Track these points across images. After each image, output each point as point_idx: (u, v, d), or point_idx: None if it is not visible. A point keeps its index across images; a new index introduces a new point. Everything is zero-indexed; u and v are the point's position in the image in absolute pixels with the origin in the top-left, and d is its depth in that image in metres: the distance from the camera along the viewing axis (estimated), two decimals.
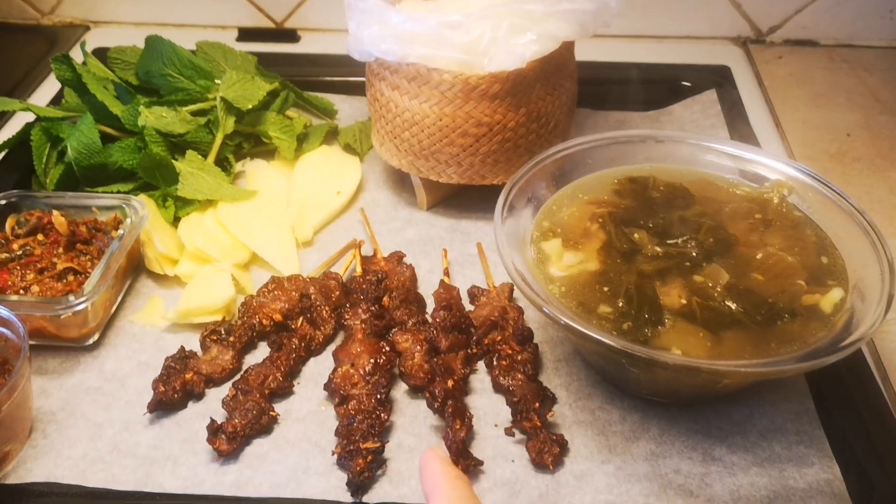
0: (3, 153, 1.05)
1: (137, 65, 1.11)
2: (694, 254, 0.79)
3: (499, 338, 0.83)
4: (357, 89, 1.23)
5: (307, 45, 1.43)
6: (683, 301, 0.75)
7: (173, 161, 0.97)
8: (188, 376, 0.79)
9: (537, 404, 0.75)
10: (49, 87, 1.31)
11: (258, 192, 1.00)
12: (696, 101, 1.18)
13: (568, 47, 0.93)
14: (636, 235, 0.81)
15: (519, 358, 0.80)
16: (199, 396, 0.79)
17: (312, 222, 0.98)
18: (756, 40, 1.41)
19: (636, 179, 0.89)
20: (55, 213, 0.90)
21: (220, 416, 0.77)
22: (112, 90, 1.06)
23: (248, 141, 1.09)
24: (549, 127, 0.95)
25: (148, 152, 0.95)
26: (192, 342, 0.85)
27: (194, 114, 1.05)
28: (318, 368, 0.83)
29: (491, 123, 0.90)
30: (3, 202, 0.91)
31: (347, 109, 1.21)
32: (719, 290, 0.76)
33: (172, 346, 0.84)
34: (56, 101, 1.24)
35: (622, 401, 0.79)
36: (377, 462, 0.72)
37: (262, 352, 0.85)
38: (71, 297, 0.79)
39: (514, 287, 0.88)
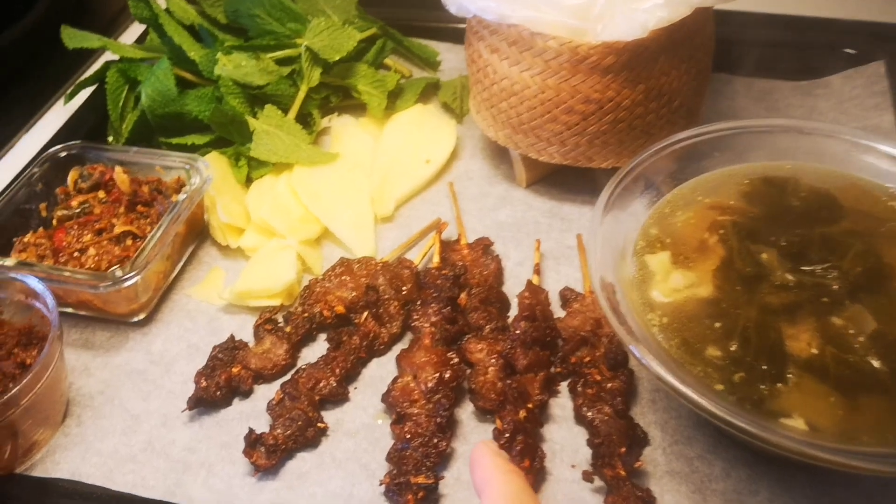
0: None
1: (225, 1, 1.02)
2: (835, 287, 0.64)
3: (587, 358, 0.71)
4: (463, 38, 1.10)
5: None
6: (814, 350, 0.60)
7: (248, 117, 0.89)
8: (235, 370, 0.72)
9: (623, 448, 0.64)
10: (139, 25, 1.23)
11: (339, 154, 0.91)
12: (860, 74, 0.99)
13: (703, 12, 0.77)
14: (764, 256, 0.67)
15: (608, 386, 0.68)
16: (247, 393, 0.72)
17: (395, 195, 0.88)
18: None
19: (772, 181, 0.73)
20: (118, 169, 0.83)
21: (265, 420, 0.70)
22: (196, 29, 0.98)
23: (337, 94, 0.98)
24: (673, 106, 0.80)
25: (220, 107, 0.87)
26: (248, 327, 0.78)
27: (280, 62, 0.95)
28: (380, 372, 0.74)
29: (601, 101, 0.76)
30: (64, 154, 0.85)
31: (452, 60, 1.08)
32: (862, 340, 0.61)
33: (226, 330, 0.77)
34: (142, 39, 1.17)
35: (727, 450, 0.66)
36: (429, 500, 0.63)
37: (321, 344, 0.76)
38: (117, 272, 0.73)
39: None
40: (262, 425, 0.69)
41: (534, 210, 0.88)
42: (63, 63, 1.12)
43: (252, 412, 0.71)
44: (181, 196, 0.79)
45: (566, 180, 0.90)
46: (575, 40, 0.73)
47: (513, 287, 0.79)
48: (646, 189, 0.71)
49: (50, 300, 0.68)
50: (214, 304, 0.80)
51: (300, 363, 0.75)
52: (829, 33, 1.05)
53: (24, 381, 0.63)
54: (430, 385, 0.68)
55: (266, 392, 0.72)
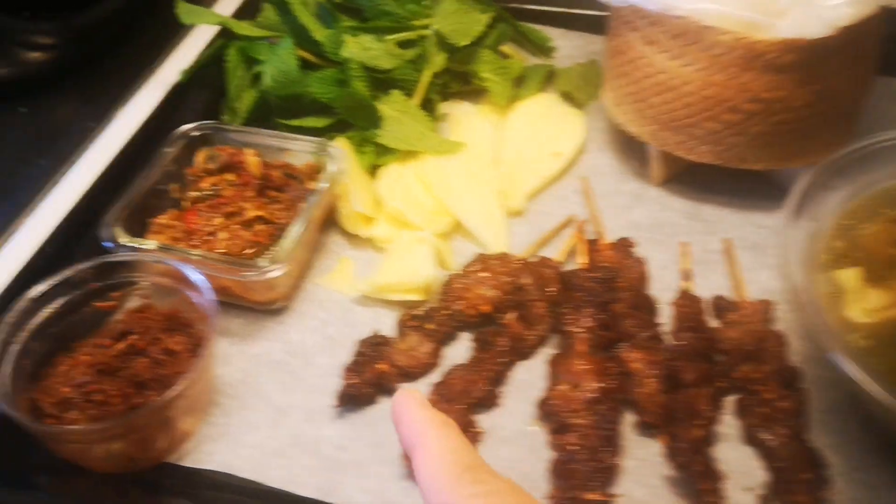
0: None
1: None
2: None
3: (755, 374, 0.67)
4: (579, 23, 1.06)
5: None
6: None
7: (376, 102, 0.85)
8: (382, 367, 0.69)
9: (807, 474, 0.60)
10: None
11: (465, 144, 0.87)
12: None
13: (880, 12, 0.73)
14: None
15: (781, 405, 0.65)
16: (391, 392, 0.69)
17: (525, 187, 0.85)
18: None
19: None
20: (249, 152, 0.80)
21: None
22: (313, 9, 0.94)
23: (457, 80, 0.95)
24: (838, 109, 0.76)
25: (349, 91, 0.83)
26: (384, 320, 0.75)
27: (401, 45, 0.92)
28: (528, 377, 0.71)
29: (771, 100, 0.72)
30: (198, 133, 0.82)
31: (567, 48, 1.04)
32: None
33: (361, 322, 0.74)
34: (244, 10, 1.14)
35: None
36: None
37: (461, 345, 0.73)
38: (263, 262, 0.70)
39: (773, 308, 0.72)
40: None
41: (670, 210, 0.84)
42: (149, 40, 1.09)
43: None
44: (322, 183, 0.76)
45: (703, 180, 0.86)
46: (751, 36, 0.69)
47: (657, 292, 0.76)
48: (825, 197, 0.68)
49: (206, 287, 0.65)
50: (347, 295, 0.77)
51: (441, 362, 0.72)
52: None
53: (192, 370, 0.60)
54: (594, 395, 0.65)
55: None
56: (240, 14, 1.06)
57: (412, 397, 0.45)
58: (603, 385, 0.66)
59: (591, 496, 0.60)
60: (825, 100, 0.74)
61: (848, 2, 0.67)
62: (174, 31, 1.10)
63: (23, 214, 0.87)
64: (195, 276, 0.67)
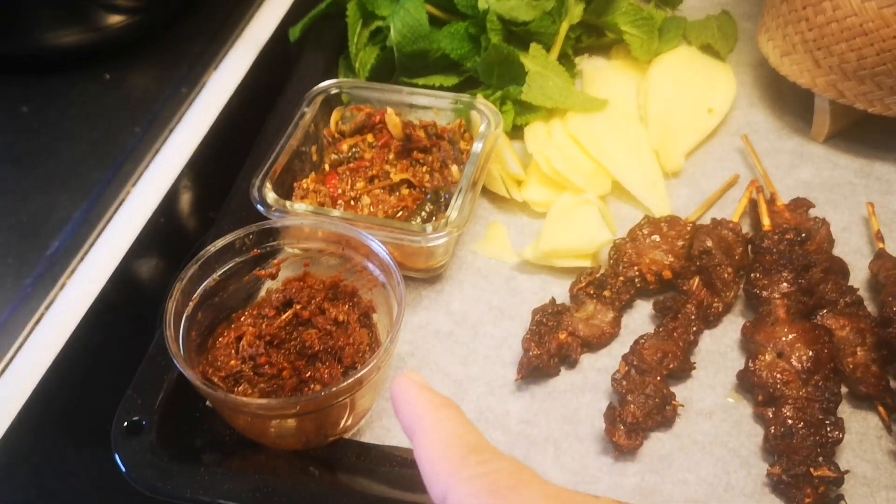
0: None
1: None
2: None
3: None
4: None
5: None
6: None
7: (518, 56, 0.79)
8: (562, 337, 0.63)
9: None
10: None
11: (608, 100, 0.81)
12: None
13: None
14: None
15: None
16: (573, 364, 0.64)
17: (682, 147, 0.79)
18: None
19: None
20: (389, 111, 0.74)
21: (600, 393, 0.62)
22: None
23: (588, 33, 0.89)
24: None
25: (496, 46, 0.77)
26: (550, 288, 0.69)
27: None
28: (718, 347, 0.65)
29: None
30: (335, 91, 0.76)
31: None
32: None
33: (527, 291, 0.69)
34: None
35: None
36: (831, 496, 0.55)
37: (639, 314, 0.68)
38: (429, 228, 0.64)
39: None
40: (598, 399, 0.61)
41: (841, 168, 0.78)
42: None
43: (584, 385, 0.63)
44: (477, 144, 0.70)
45: (869, 136, 0.80)
46: None
47: (844, 254, 0.70)
48: None
49: (384, 255, 0.60)
50: (506, 262, 0.71)
51: (622, 332, 0.66)
52: None
53: (383, 348, 0.55)
54: (806, 365, 0.60)
55: (592, 362, 0.64)
56: None
57: (411, 381, 0.42)
58: (814, 354, 0.60)
59: (820, 472, 0.54)
60: None
61: None
62: None
63: (129, 183, 0.83)
64: (368, 240, 0.61)
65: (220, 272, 0.61)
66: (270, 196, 0.66)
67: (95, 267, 0.74)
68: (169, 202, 0.80)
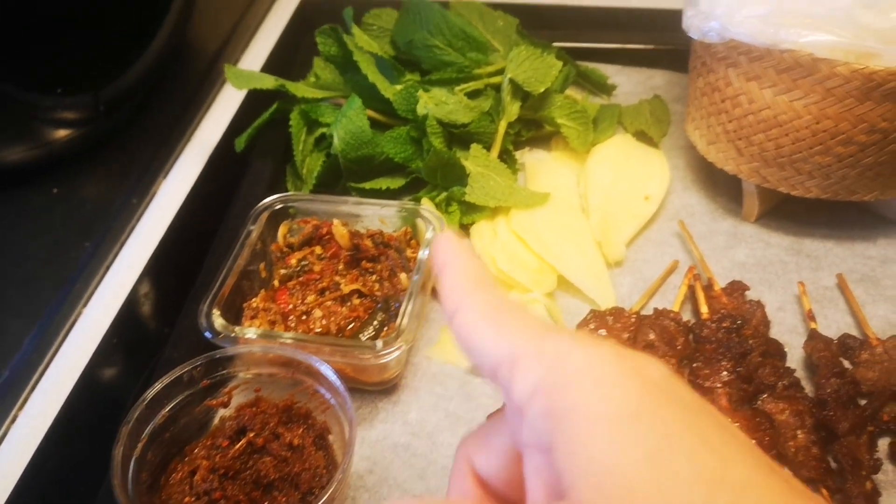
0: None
1: (395, 32, 0.95)
2: None
3: None
4: (637, 59, 1.04)
5: None
6: None
7: (459, 158, 0.82)
8: None
9: None
10: (264, 42, 1.17)
11: (550, 193, 0.84)
12: None
13: None
14: None
15: None
16: None
17: (622, 236, 0.81)
18: None
19: None
20: (336, 222, 0.76)
21: None
22: (374, 65, 0.91)
23: (527, 128, 0.92)
24: None
25: (436, 151, 0.80)
26: None
27: (467, 96, 0.89)
28: None
29: (888, 130, 0.70)
30: (279, 206, 0.77)
31: (626, 84, 1.02)
32: None
33: (483, 394, 0.70)
34: (274, 62, 1.11)
35: None
36: None
37: None
38: (379, 344, 0.65)
39: None
40: None
41: (773, 247, 0.81)
42: (176, 106, 1.06)
43: None
44: (423, 252, 0.72)
45: (798, 213, 0.84)
46: (870, 65, 0.67)
47: (779, 336, 0.73)
48: None
49: (334, 378, 0.61)
50: (459, 366, 0.73)
51: None
52: None
53: (337, 476, 0.56)
54: None
55: None
56: (275, 71, 1.02)
57: (449, 236, 0.41)
58: (756, 442, 0.62)
59: None
60: None
61: None
62: (202, 95, 1.07)
63: (80, 303, 0.82)
64: (317, 363, 0.62)
65: (168, 408, 0.61)
66: (218, 322, 0.67)
67: (48, 395, 0.73)
68: (122, 321, 0.80)
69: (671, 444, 0.31)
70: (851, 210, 0.82)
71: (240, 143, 0.90)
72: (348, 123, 0.83)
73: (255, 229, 0.75)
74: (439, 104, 0.83)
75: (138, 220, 0.92)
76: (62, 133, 0.99)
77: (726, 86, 0.76)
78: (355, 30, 0.90)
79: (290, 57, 1.11)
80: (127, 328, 0.80)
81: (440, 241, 0.41)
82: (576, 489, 0.32)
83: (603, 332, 0.72)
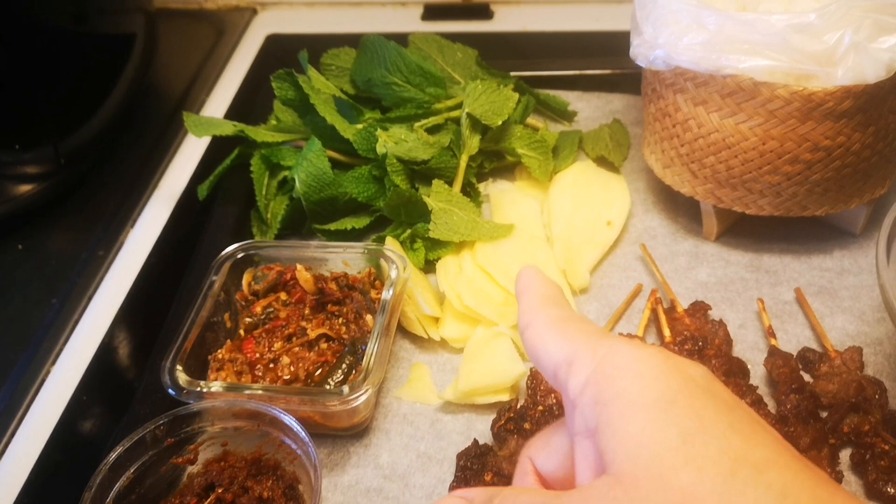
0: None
1: (353, 71, 0.97)
2: None
3: (864, 426, 0.66)
4: (596, 84, 1.05)
5: (503, 22, 1.26)
6: None
7: (420, 195, 0.83)
8: (488, 479, 0.65)
9: None
10: (227, 86, 1.18)
11: (514, 224, 0.85)
12: None
13: None
14: None
15: None
16: None
17: (586, 263, 0.82)
18: None
19: None
20: (300, 267, 0.77)
21: None
22: (332, 102, 0.92)
23: (490, 159, 0.93)
24: (894, 145, 0.75)
25: (397, 190, 0.81)
26: (476, 425, 0.71)
27: (428, 131, 0.90)
28: None
29: (831, 147, 0.72)
30: (241, 254, 0.78)
31: (586, 110, 1.03)
32: None
33: (453, 432, 0.71)
34: (237, 105, 1.12)
35: None
36: None
37: None
38: (346, 390, 0.66)
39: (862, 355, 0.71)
40: None
41: (733, 265, 0.83)
42: (140, 155, 1.06)
43: None
44: (386, 293, 0.73)
45: (755, 229, 0.85)
46: (807, 87, 0.69)
47: (742, 353, 0.74)
48: None
49: (299, 429, 0.61)
50: (430, 405, 0.73)
51: None
52: None
53: None
54: None
55: None
56: (239, 115, 1.03)
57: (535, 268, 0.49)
58: None
59: None
60: (882, 138, 0.73)
61: None
62: (166, 142, 1.07)
63: (48, 361, 0.82)
64: (281, 415, 0.63)
65: (132, 469, 0.61)
66: (182, 378, 0.67)
67: (17, 459, 0.73)
68: (91, 378, 0.80)
69: (703, 426, 0.36)
70: (807, 222, 0.84)
71: (202, 190, 0.91)
72: (309, 166, 0.84)
73: (218, 279, 0.76)
74: (399, 142, 0.84)
75: (105, 272, 0.92)
76: (24, 188, 0.99)
77: (676, 111, 0.77)
78: (311, 72, 0.91)
79: (252, 100, 1.12)
80: (97, 385, 0.80)
81: (521, 273, 0.48)
82: (615, 463, 0.36)
83: None
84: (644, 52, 0.75)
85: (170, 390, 0.67)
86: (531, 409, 0.70)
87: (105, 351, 0.82)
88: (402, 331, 0.79)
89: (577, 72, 1.05)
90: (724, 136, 0.74)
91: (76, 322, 0.86)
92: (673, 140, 0.79)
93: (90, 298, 0.89)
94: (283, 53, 1.25)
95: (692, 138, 0.77)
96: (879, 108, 0.71)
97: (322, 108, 0.85)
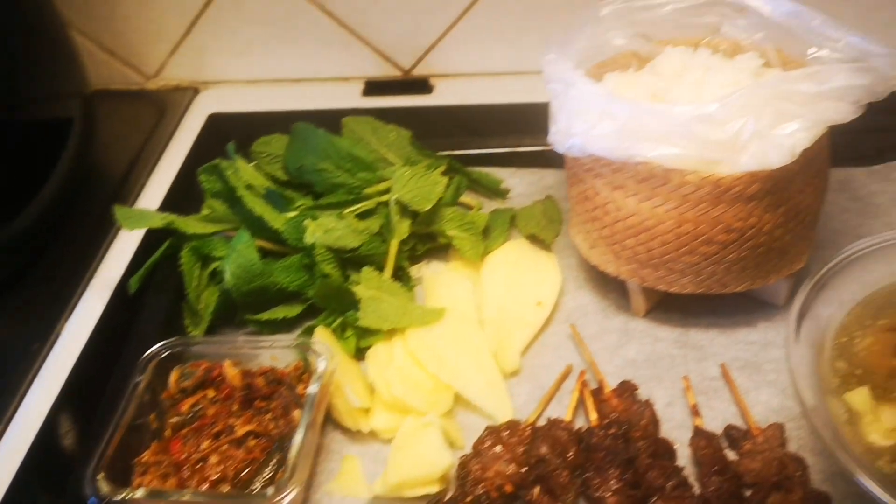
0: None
1: (285, 158, 0.98)
2: None
3: None
4: (527, 160, 1.07)
5: (442, 96, 1.28)
6: None
7: (349, 283, 0.83)
8: None
9: None
10: (168, 168, 1.18)
11: (446, 308, 0.85)
12: None
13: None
14: None
15: None
16: None
17: (517, 345, 0.83)
18: None
19: None
20: (227, 363, 0.76)
21: None
22: (261, 191, 0.92)
23: (422, 241, 0.94)
24: (806, 222, 0.78)
25: (325, 281, 0.81)
26: None
27: (359, 216, 0.91)
28: None
29: (744, 228, 0.74)
30: (167, 353, 0.78)
31: (519, 186, 1.05)
32: None
33: None
34: (178, 187, 1.12)
35: None
36: None
37: None
38: (269, 492, 0.65)
39: (784, 431, 0.72)
40: None
41: (662, 341, 0.84)
42: (77, 246, 1.05)
43: None
44: (312, 387, 0.73)
45: (683, 304, 0.86)
46: (716, 172, 0.71)
47: (670, 432, 0.75)
48: (816, 321, 0.68)
49: None
50: (360, 498, 0.73)
51: None
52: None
53: None
54: None
55: None
56: (174, 205, 1.03)
57: None
58: None
59: None
60: (793, 217, 0.76)
61: (803, 127, 0.69)
62: (103, 233, 1.06)
63: None
64: None
65: None
66: (103, 487, 0.66)
67: None
68: (17, 487, 0.78)
69: None
70: (733, 295, 0.85)
71: (133, 283, 0.91)
72: (238, 258, 0.84)
73: (143, 380, 0.75)
74: (328, 231, 0.85)
75: (41, 366, 0.91)
76: None
77: (595, 195, 0.79)
78: (239, 162, 0.92)
79: (192, 183, 1.11)
80: (28, 491, 0.78)
81: None
82: None
83: (499, 447, 0.73)
84: (561, 140, 0.77)
85: (91, 500, 0.66)
86: (460, 500, 0.70)
87: (37, 453, 0.80)
88: (334, 422, 0.78)
89: (510, 149, 1.07)
90: (641, 219, 0.76)
91: (10, 420, 0.84)
92: (595, 222, 0.81)
93: (23, 395, 0.87)
94: (225, 133, 1.25)
95: (612, 221, 0.78)
96: (787, 189, 0.73)
97: (249, 200, 0.86)
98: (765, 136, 0.68)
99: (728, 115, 0.68)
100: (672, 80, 0.80)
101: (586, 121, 0.74)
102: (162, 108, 1.35)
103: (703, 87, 0.77)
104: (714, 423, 0.75)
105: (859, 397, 0.64)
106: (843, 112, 0.70)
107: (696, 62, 0.81)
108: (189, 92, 1.38)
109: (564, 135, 0.76)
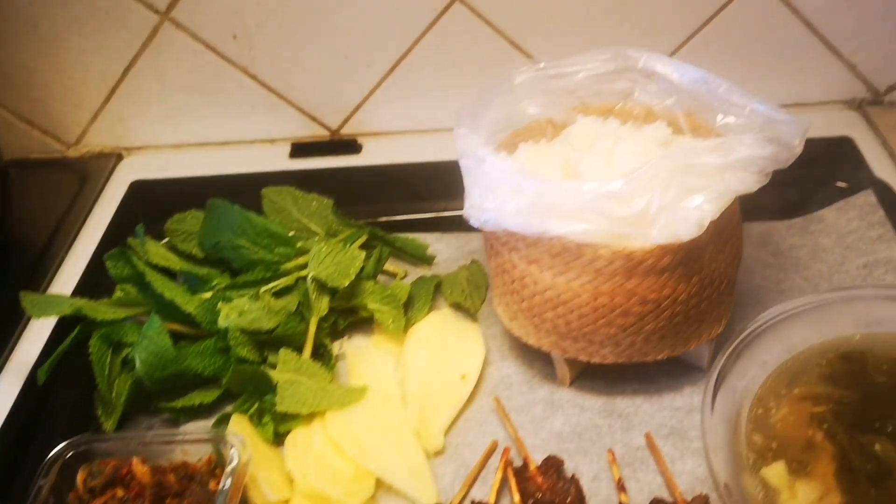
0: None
1: (201, 235, 0.95)
2: None
3: None
4: (453, 224, 1.06)
5: (370, 156, 1.27)
6: None
7: (265, 367, 0.81)
8: None
9: None
10: (89, 240, 1.14)
11: (367, 386, 0.83)
12: (852, 205, 1.01)
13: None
14: (877, 447, 0.64)
15: None
16: None
17: (441, 423, 0.81)
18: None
19: (849, 357, 0.72)
20: (135, 461, 0.73)
21: None
22: (175, 268, 0.89)
23: (344, 316, 0.92)
24: (721, 288, 0.78)
25: (239, 367, 0.79)
26: None
27: (277, 293, 0.89)
28: None
29: (659, 299, 0.73)
30: (71, 453, 0.74)
31: (445, 251, 1.03)
32: None
33: None
34: (96, 265, 1.08)
35: None
36: None
37: None
38: None
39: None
40: None
41: (587, 411, 0.83)
42: None
43: None
44: (225, 482, 0.70)
45: (608, 371, 0.85)
46: (627, 246, 0.71)
47: None
48: (732, 394, 0.68)
49: None
50: None
51: None
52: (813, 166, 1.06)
53: None
54: None
55: None
56: (92, 284, 0.99)
57: None
58: None
59: None
60: (708, 285, 0.76)
61: (709, 199, 0.69)
62: (17, 315, 1.01)
63: None
64: None
65: None
66: None
67: None
68: None
69: None
70: (657, 361, 0.85)
71: (42, 374, 0.87)
72: (149, 345, 0.81)
73: (46, 483, 0.71)
74: (242, 313, 0.83)
75: None
76: None
77: (513, 268, 0.78)
78: (149, 244, 0.90)
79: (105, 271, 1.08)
80: None
81: None
82: None
83: None
84: (475, 214, 0.76)
85: None
86: None
87: None
88: None
89: (436, 214, 1.06)
90: (558, 292, 0.75)
91: None
92: (514, 295, 0.80)
93: None
94: (148, 200, 1.23)
95: (530, 294, 0.78)
96: (699, 259, 0.73)
97: (159, 284, 0.83)
98: (672, 210, 0.68)
99: (634, 191, 0.67)
100: (584, 150, 0.80)
101: (498, 196, 0.73)
102: (84, 176, 1.31)
103: (613, 157, 0.77)
104: (640, 495, 0.74)
105: (775, 472, 0.63)
106: (749, 182, 0.71)
107: (606, 131, 0.81)
108: (112, 158, 1.34)
109: (478, 210, 0.75)
